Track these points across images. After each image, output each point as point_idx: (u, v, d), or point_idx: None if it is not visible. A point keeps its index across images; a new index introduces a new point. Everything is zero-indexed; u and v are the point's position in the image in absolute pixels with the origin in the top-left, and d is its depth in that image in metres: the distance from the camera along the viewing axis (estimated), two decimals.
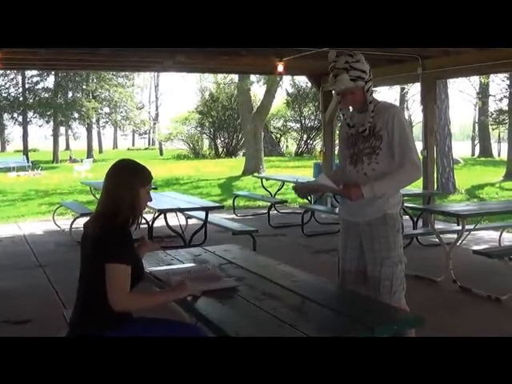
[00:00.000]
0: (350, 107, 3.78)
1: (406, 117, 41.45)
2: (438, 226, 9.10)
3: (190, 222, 9.83)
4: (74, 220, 9.46)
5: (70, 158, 36.90)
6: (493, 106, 36.11)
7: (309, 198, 11.76)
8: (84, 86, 41.20)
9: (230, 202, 13.65)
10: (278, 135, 40.64)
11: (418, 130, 31.58)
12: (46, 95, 40.54)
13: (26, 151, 39.26)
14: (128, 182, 3.01)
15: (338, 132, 4.32)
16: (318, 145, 33.85)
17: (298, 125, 38.87)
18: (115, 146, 72.21)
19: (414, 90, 36.98)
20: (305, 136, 37.93)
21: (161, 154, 47.72)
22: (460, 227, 7.08)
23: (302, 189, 3.92)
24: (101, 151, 54.94)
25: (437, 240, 7.24)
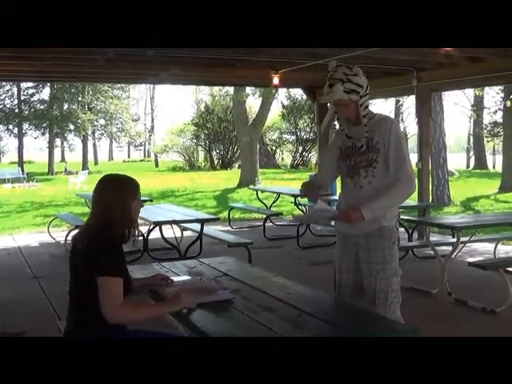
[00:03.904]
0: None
1: (401, 129, 41.53)
2: (433, 238, 9.11)
3: (186, 234, 9.82)
4: (69, 232, 9.44)
5: (66, 169, 36.87)
6: (487, 119, 36.31)
7: (304, 210, 11.79)
8: (79, 98, 41.29)
9: (225, 214, 13.64)
10: (274, 147, 40.68)
11: (412, 143, 31.66)
12: (42, 107, 40.55)
13: (21, 163, 39.18)
14: (119, 198, 3.02)
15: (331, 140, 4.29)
16: (314, 157, 33.91)
17: (294, 137, 38.94)
18: (111, 157, 72.20)
19: (409, 102, 37.27)
20: (300, 148, 38.01)
21: (156, 165, 47.75)
22: (455, 239, 7.08)
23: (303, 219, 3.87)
24: (96, 163, 54.91)
25: (432, 252, 7.25)
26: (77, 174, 29.02)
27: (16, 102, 41.03)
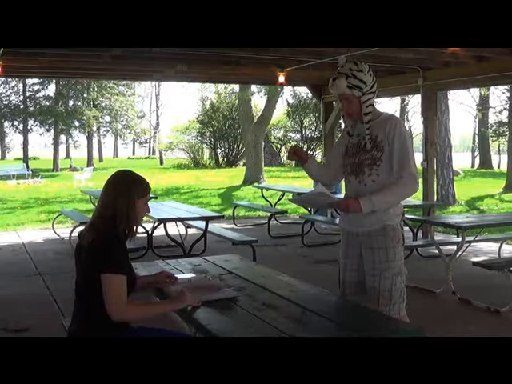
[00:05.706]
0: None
1: (406, 128, 41.47)
2: (438, 237, 9.10)
3: (190, 231, 9.82)
4: (74, 228, 9.45)
5: (70, 166, 36.95)
6: (493, 118, 36.21)
7: (308, 208, 11.77)
8: (85, 95, 41.32)
9: (229, 211, 13.64)
10: (279, 145, 40.68)
11: (418, 142, 31.63)
12: (47, 103, 40.58)
13: (26, 159, 39.27)
14: (125, 192, 3.00)
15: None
16: (319, 155, 33.86)
17: (299, 135, 38.92)
18: (115, 154, 72.31)
19: (415, 101, 37.22)
20: (305, 146, 37.97)
21: (161, 163, 47.79)
22: (460, 239, 7.07)
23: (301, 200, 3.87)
24: (101, 160, 54.98)
25: (436, 251, 7.24)
26: (82, 170, 29.02)
27: (21, 98, 41.07)
